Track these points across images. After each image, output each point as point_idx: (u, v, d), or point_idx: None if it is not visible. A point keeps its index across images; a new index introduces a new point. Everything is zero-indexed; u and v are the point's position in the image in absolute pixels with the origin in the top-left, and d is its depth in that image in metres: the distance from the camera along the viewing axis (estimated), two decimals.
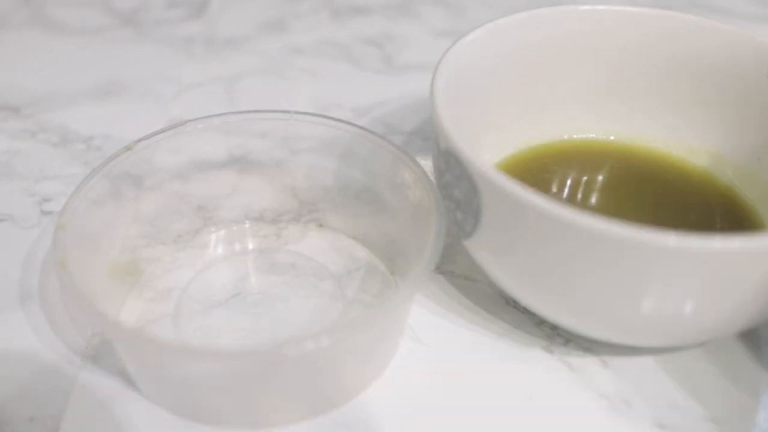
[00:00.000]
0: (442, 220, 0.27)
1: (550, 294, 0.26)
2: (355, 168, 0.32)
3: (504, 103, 0.33)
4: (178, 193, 0.32)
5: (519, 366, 0.28)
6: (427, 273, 0.25)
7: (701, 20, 0.33)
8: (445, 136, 0.26)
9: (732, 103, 0.33)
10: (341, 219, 0.33)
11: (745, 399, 0.28)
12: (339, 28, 0.51)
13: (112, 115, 0.42)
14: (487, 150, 0.33)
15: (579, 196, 0.33)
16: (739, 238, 0.22)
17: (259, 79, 0.45)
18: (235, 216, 0.33)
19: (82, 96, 0.43)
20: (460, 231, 0.28)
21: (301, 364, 0.24)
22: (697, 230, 0.23)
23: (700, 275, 0.23)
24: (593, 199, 0.33)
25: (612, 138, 0.36)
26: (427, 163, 0.38)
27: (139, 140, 0.30)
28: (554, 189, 0.33)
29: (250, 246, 0.33)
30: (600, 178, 0.34)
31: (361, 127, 0.31)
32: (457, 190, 0.26)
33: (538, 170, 0.34)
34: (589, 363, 0.29)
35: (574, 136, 0.35)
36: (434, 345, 0.29)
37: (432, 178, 0.29)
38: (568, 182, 0.34)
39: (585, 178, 0.34)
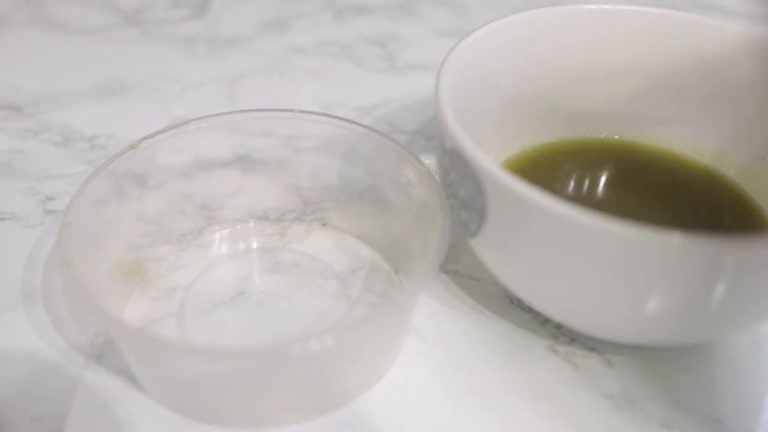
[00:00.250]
0: (446, 220, 0.27)
1: (554, 293, 0.26)
2: (359, 167, 0.32)
3: (508, 103, 0.33)
4: (182, 192, 0.32)
5: (523, 365, 0.28)
6: (432, 273, 0.25)
7: (705, 19, 0.33)
8: (450, 135, 0.26)
9: (736, 101, 0.33)
10: (345, 218, 0.33)
11: (751, 399, 0.27)
12: (341, 27, 0.51)
13: (115, 114, 0.41)
14: (492, 149, 0.33)
15: (584, 195, 0.33)
16: (745, 238, 0.22)
17: (261, 79, 0.45)
18: (239, 215, 0.33)
19: (84, 95, 0.43)
20: (465, 230, 0.28)
21: (306, 363, 0.24)
22: (703, 229, 0.23)
23: (704, 275, 0.23)
24: (598, 198, 0.33)
25: (617, 137, 0.35)
26: (431, 163, 0.38)
27: (143, 139, 0.30)
28: (559, 188, 0.33)
29: (254, 245, 0.33)
30: (605, 177, 0.34)
31: (365, 126, 0.31)
32: (462, 189, 0.26)
33: (543, 170, 0.34)
34: (593, 362, 0.29)
35: (579, 135, 0.35)
36: (438, 344, 0.29)
37: (436, 177, 0.29)
38: (573, 181, 0.34)
39: (590, 177, 0.34)
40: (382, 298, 0.30)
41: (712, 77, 0.33)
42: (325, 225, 0.33)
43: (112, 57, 0.47)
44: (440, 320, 0.30)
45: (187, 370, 0.25)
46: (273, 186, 0.33)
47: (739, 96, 0.33)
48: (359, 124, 0.31)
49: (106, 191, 0.29)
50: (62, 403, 0.27)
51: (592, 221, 0.22)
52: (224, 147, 0.32)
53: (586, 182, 0.34)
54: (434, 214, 0.27)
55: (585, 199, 0.33)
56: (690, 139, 0.34)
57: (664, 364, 0.28)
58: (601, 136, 0.36)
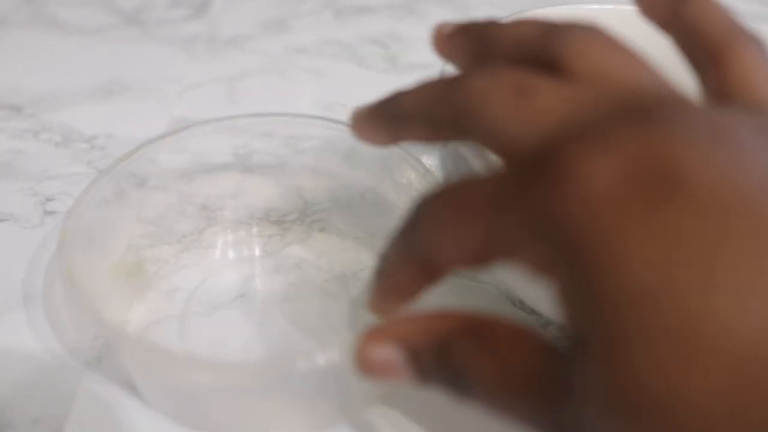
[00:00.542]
0: None
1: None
2: (361, 168, 0.31)
3: None
4: (183, 193, 0.31)
5: None
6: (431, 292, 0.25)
7: None
8: None
9: None
10: (346, 219, 0.33)
11: None
12: (342, 27, 0.50)
13: (115, 114, 0.41)
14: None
15: None
16: None
17: (261, 79, 0.45)
18: (240, 216, 0.33)
19: (84, 95, 0.43)
20: None
21: (311, 377, 0.24)
22: None
23: None
24: None
25: None
26: (432, 163, 0.38)
27: (140, 147, 0.30)
28: None
29: (255, 247, 0.32)
30: None
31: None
32: None
33: None
34: None
35: None
36: None
37: (437, 177, 0.29)
38: None
39: None
40: None
41: None
42: (325, 226, 0.33)
43: (112, 57, 0.46)
44: None
45: (189, 382, 0.25)
46: (274, 187, 0.33)
47: None
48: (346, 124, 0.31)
49: (107, 192, 0.29)
50: (62, 405, 0.26)
51: None
52: (224, 147, 0.32)
53: None
54: None
55: None
56: None
57: None
58: None
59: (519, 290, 0.28)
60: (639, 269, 0.15)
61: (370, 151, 0.31)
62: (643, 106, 0.18)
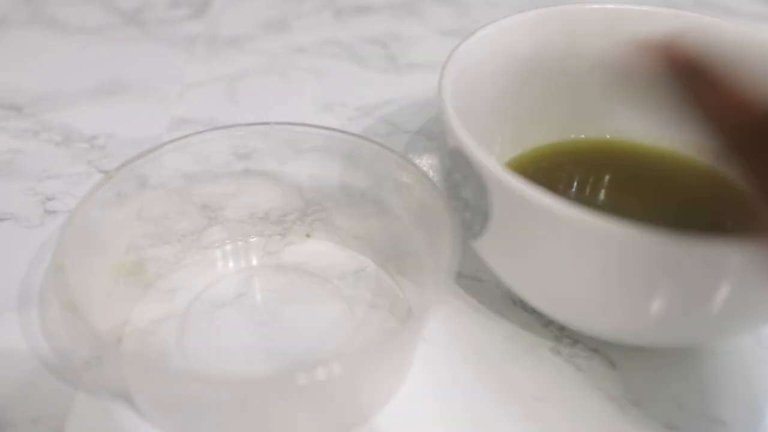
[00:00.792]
0: (456, 234, 0.26)
1: (558, 294, 0.26)
2: (361, 168, 0.31)
3: (512, 102, 0.33)
4: (183, 193, 0.31)
5: (526, 367, 0.28)
6: (443, 292, 0.25)
7: (708, 19, 0.33)
8: (454, 134, 0.26)
9: None
10: (346, 219, 0.33)
11: (755, 400, 0.27)
12: (342, 27, 0.50)
13: (115, 114, 0.41)
14: (494, 150, 0.33)
15: (586, 196, 0.33)
16: (748, 240, 0.22)
17: (261, 79, 0.45)
18: (240, 216, 0.33)
19: (84, 95, 0.43)
20: (468, 231, 0.28)
21: (313, 390, 0.24)
22: (707, 230, 0.23)
23: (708, 276, 0.23)
24: (601, 200, 0.33)
25: (620, 137, 0.35)
26: (433, 163, 0.38)
27: (145, 152, 0.30)
28: (561, 190, 0.33)
29: (255, 246, 0.32)
30: (607, 178, 0.34)
31: (344, 132, 0.31)
32: (466, 189, 0.26)
33: (545, 170, 0.34)
34: (596, 364, 0.28)
35: (582, 136, 0.35)
36: (441, 345, 0.29)
37: (436, 177, 0.29)
38: (575, 183, 0.33)
39: (592, 178, 0.34)
40: (383, 299, 0.30)
41: None
42: (326, 226, 0.33)
43: (112, 57, 0.46)
44: (442, 321, 0.30)
45: (188, 396, 0.25)
46: (274, 187, 0.33)
47: None
48: (348, 133, 0.31)
49: (108, 192, 0.29)
50: (63, 404, 0.26)
51: (596, 222, 0.22)
52: (225, 147, 0.32)
53: (589, 184, 0.34)
54: (436, 218, 0.27)
55: (587, 201, 0.33)
56: (693, 140, 0.34)
57: (668, 365, 0.28)
58: (606, 137, 0.35)
59: (519, 289, 0.28)
60: None
61: (369, 152, 0.31)
62: None
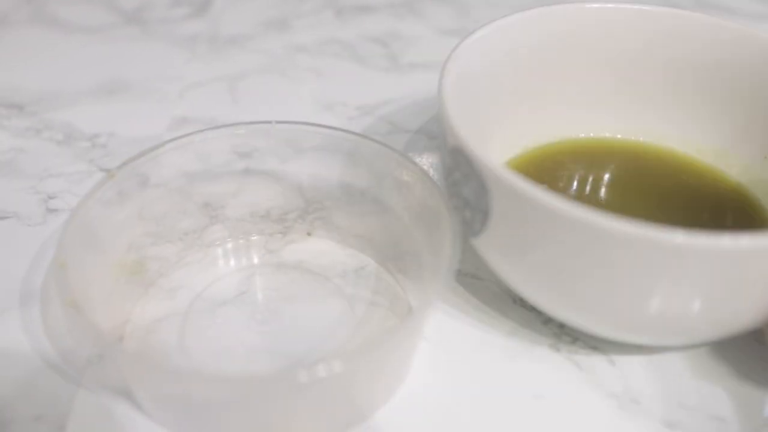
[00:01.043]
0: (456, 233, 0.26)
1: (558, 292, 0.26)
2: (362, 167, 0.31)
3: (512, 101, 0.33)
4: (184, 191, 0.32)
5: (526, 365, 0.28)
6: (442, 291, 0.25)
7: (708, 18, 0.33)
8: (454, 133, 0.26)
9: (738, 100, 0.33)
10: (347, 218, 0.33)
11: (754, 397, 0.27)
12: (342, 26, 0.50)
13: (116, 113, 0.41)
14: (496, 148, 0.33)
15: (587, 195, 0.33)
16: (748, 237, 0.22)
17: (262, 78, 0.45)
18: (241, 215, 0.33)
19: (86, 94, 0.43)
20: (469, 229, 0.28)
21: (315, 388, 0.24)
22: (707, 228, 0.23)
23: (708, 274, 0.23)
24: (601, 199, 0.33)
25: (620, 136, 0.35)
26: (434, 162, 0.38)
27: (146, 151, 0.30)
28: (562, 188, 0.33)
29: (257, 245, 0.33)
30: (608, 177, 0.34)
31: (345, 130, 0.31)
32: (466, 188, 0.26)
33: (546, 170, 0.34)
34: (596, 362, 0.28)
35: (582, 135, 0.35)
36: (441, 343, 0.29)
37: (437, 176, 0.29)
38: (576, 182, 0.34)
39: (593, 177, 0.34)
40: (384, 297, 0.30)
41: (714, 76, 0.33)
42: (327, 224, 0.33)
43: (113, 56, 0.47)
44: (443, 319, 0.30)
45: (189, 395, 0.25)
46: (275, 185, 0.33)
47: (741, 95, 0.33)
48: (349, 132, 0.31)
49: (109, 191, 0.29)
50: (64, 402, 0.27)
51: (596, 219, 0.22)
52: (226, 146, 0.32)
53: (589, 183, 0.34)
54: (437, 217, 0.27)
55: (587, 200, 0.33)
56: (692, 139, 0.34)
57: (668, 362, 0.28)
58: (606, 135, 0.36)
59: (519, 287, 0.28)
60: None
61: (370, 151, 0.31)
62: None
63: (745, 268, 0.23)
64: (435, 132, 0.40)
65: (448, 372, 0.28)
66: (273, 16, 0.52)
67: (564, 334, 0.29)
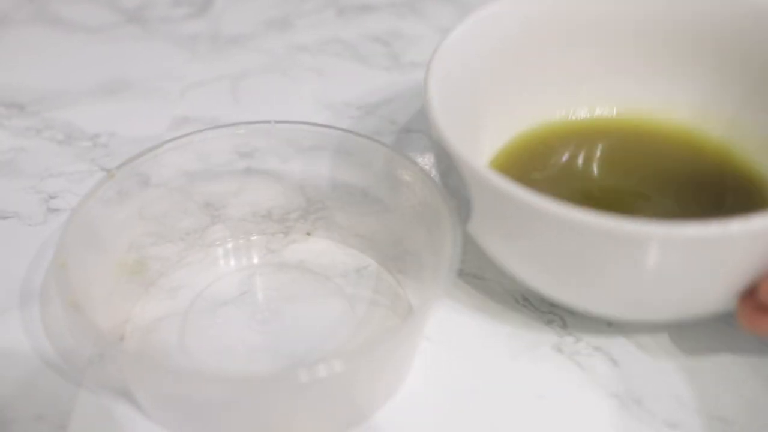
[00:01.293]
0: (457, 233, 0.26)
1: (539, 274, 0.27)
2: (362, 168, 0.31)
3: (506, 83, 0.33)
4: (185, 191, 0.31)
5: (529, 365, 0.28)
6: (444, 290, 0.25)
7: None
8: (435, 126, 0.27)
9: (711, 56, 0.33)
10: (348, 217, 0.33)
11: (756, 397, 0.27)
12: (344, 26, 0.50)
13: (117, 112, 0.41)
14: (488, 137, 0.33)
15: (581, 177, 0.33)
16: (714, 225, 0.22)
17: (263, 78, 0.45)
18: (243, 214, 0.33)
19: (86, 93, 0.43)
20: (460, 217, 0.28)
21: (316, 387, 0.24)
22: (706, 206, 0.23)
23: (688, 261, 0.24)
24: (595, 180, 0.33)
25: (616, 113, 0.35)
26: (429, 162, 0.38)
27: (147, 150, 0.30)
28: (556, 173, 0.33)
29: (258, 244, 0.32)
30: (602, 157, 0.34)
31: (345, 130, 0.31)
32: (451, 178, 0.27)
33: (540, 154, 0.34)
34: (598, 361, 0.28)
35: (576, 115, 0.35)
36: (444, 343, 0.29)
37: (437, 176, 0.29)
38: (570, 165, 0.33)
39: (586, 158, 0.34)
40: (385, 296, 0.30)
41: (709, 44, 0.33)
42: (328, 224, 0.33)
43: (114, 55, 0.46)
44: (444, 319, 0.30)
45: (189, 394, 0.25)
46: (276, 185, 0.33)
47: (714, 50, 0.33)
48: (350, 132, 0.31)
49: (109, 191, 0.29)
50: (66, 401, 0.27)
51: (569, 215, 0.23)
52: (227, 145, 0.32)
53: (582, 164, 0.34)
54: (437, 216, 0.27)
55: (581, 182, 0.33)
56: (673, 101, 0.34)
57: (670, 363, 0.28)
58: (600, 113, 0.35)
59: (512, 270, 0.28)
60: None
61: (371, 151, 0.31)
62: None
63: (726, 253, 0.23)
64: None
65: (450, 372, 0.28)
66: (274, 15, 0.51)
67: (566, 335, 0.29)
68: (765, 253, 0.23)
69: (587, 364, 0.28)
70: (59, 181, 0.36)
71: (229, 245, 0.32)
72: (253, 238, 0.33)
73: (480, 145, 0.32)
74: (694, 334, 0.29)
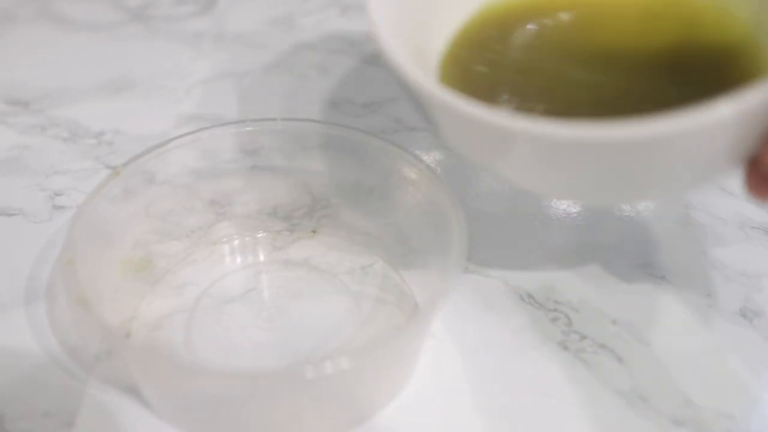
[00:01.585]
0: (463, 231, 0.26)
1: (513, 174, 0.26)
2: (368, 165, 0.31)
3: None
4: (191, 189, 0.31)
5: (534, 362, 0.28)
6: (446, 293, 0.25)
7: None
8: (375, 37, 0.25)
9: None
10: (353, 215, 0.33)
11: (762, 394, 0.27)
12: (348, 23, 0.50)
13: (122, 110, 0.41)
14: (443, 21, 0.30)
15: (540, 60, 0.30)
16: (725, 103, 0.20)
17: (268, 75, 0.45)
18: (249, 212, 0.33)
19: (92, 91, 0.43)
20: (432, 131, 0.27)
21: (322, 384, 0.24)
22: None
23: (676, 156, 0.22)
24: (555, 65, 0.30)
25: None
26: (440, 158, 0.38)
27: (152, 148, 0.30)
28: (520, 56, 0.30)
29: (264, 242, 0.32)
30: (571, 35, 0.30)
31: (351, 128, 0.31)
32: (408, 96, 0.26)
33: (497, 39, 0.30)
34: (604, 359, 0.28)
35: None
36: (448, 341, 0.29)
37: (443, 174, 0.29)
38: (535, 45, 0.30)
39: (552, 37, 0.30)
40: (390, 294, 0.30)
41: None
42: (334, 221, 0.33)
43: (118, 53, 0.46)
44: (449, 317, 0.30)
45: (196, 391, 0.25)
46: (281, 183, 0.33)
47: None
48: (355, 129, 0.31)
49: (115, 188, 0.29)
50: (72, 398, 0.27)
51: (511, 124, 0.22)
52: (232, 143, 0.32)
53: (548, 45, 0.30)
54: (443, 214, 0.27)
55: (548, 66, 0.30)
56: None
57: (676, 360, 0.28)
58: None
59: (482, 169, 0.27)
60: None
61: (376, 149, 0.31)
62: None
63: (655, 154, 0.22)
64: None
65: (455, 369, 0.28)
66: (279, 13, 0.51)
67: (572, 332, 0.29)
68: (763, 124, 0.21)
69: (593, 361, 0.28)
70: (64, 179, 0.36)
71: (235, 243, 0.32)
72: (258, 235, 0.33)
73: (433, 33, 0.29)
74: (700, 332, 0.29)
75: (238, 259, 0.32)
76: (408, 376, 0.28)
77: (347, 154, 0.32)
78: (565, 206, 0.35)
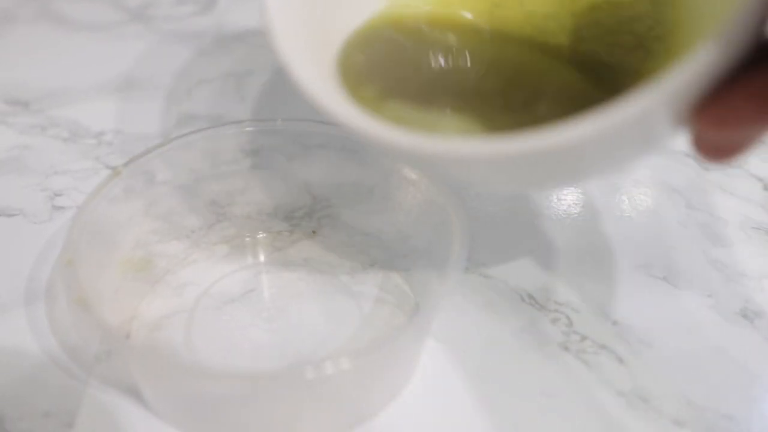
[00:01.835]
0: (465, 231, 0.26)
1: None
2: (368, 165, 0.31)
3: None
4: (191, 189, 0.31)
5: (535, 363, 0.28)
6: (446, 294, 0.25)
7: None
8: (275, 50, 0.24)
9: None
10: (354, 215, 0.33)
11: (763, 396, 0.27)
12: None
13: (123, 110, 0.41)
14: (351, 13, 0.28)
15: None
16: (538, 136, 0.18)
17: (269, 75, 0.45)
18: (249, 212, 0.33)
19: (92, 91, 0.43)
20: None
21: (322, 385, 0.24)
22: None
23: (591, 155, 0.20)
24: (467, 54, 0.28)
25: None
26: None
27: (152, 148, 0.30)
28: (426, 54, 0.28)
29: (263, 242, 0.32)
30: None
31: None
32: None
33: (407, 31, 0.28)
34: (605, 360, 0.28)
35: None
36: (450, 342, 0.29)
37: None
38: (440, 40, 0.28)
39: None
40: (391, 295, 0.30)
41: None
42: (334, 222, 0.33)
43: (118, 53, 0.46)
44: (450, 318, 0.30)
45: (195, 391, 0.25)
46: (282, 183, 0.33)
47: None
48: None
49: (116, 188, 0.29)
50: (72, 398, 0.27)
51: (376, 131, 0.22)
52: (233, 144, 0.32)
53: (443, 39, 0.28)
54: (443, 214, 0.27)
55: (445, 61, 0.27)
56: None
57: (676, 360, 0.28)
58: None
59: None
60: None
61: (377, 148, 0.31)
62: None
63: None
64: None
65: (455, 370, 0.28)
66: None
67: (572, 333, 0.29)
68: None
69: (593, 362, 0.28)
70: (64, 179, 0.36)
71: (235, 243, 0.32)
72: (259, 236, 0.33)
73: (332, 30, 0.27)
74: (700, 333, 0.29)
75: (238, 260, 0.32)
76: (408, 376, 0.28)
77: (347, 154, 0.32)
78: (565, 206, 0.35)
